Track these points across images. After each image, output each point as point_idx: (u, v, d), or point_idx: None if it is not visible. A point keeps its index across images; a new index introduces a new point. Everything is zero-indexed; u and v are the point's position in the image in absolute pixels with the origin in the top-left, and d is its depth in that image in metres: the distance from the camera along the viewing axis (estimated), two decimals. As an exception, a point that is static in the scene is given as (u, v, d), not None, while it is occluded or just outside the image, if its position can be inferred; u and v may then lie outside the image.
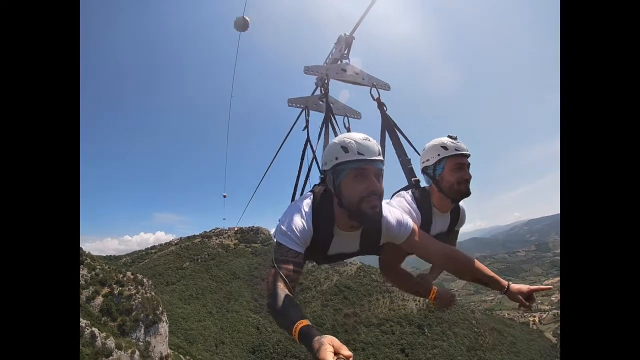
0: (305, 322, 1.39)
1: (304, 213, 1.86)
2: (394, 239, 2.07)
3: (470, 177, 2.36)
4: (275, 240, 1.83)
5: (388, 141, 2.55)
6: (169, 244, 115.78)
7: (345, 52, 2.91)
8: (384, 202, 1.91)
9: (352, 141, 1.79)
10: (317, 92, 3.24)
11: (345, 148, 1.79)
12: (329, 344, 1.23)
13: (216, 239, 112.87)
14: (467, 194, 2.37)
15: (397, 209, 2.14)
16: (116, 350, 42.00)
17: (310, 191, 2.04)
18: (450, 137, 2.40)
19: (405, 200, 2.35)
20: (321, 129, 2.65)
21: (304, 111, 3.15)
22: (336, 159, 1.81)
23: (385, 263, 2.38)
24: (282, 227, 1.80)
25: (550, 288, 2.29)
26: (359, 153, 1.77)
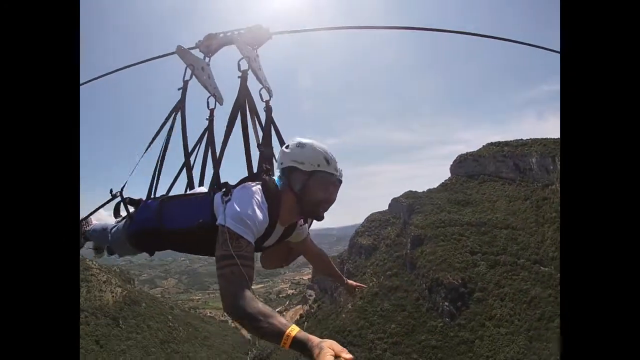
0: (297, 328, 1.39)
1: (260, 204, 1.86)
2: (296, 237, 2.42)
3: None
4: (233, 231, 1.70)
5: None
6: None
7: (258, 44, 2.65)
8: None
9: (332, 158, 2.04)
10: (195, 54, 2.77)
11: (327, 160, 2.02)
12: (329, 347, 1.25)
13: None
14: None
15: None
16: None
17: (252, 179, 2.09)
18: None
19: None
20: (237, 113, 2.35)
21: (185, 69, 2.71)
22: (318, 166, 2.00)
23: (271, 255, 2.61)
24: (242, 217, 1.73)
25: (363, 286, 3.20)
26: (335, 169, 2.05)
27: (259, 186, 1.97)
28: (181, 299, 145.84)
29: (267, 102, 2.59)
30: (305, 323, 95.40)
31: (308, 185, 2.00)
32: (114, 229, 2.56)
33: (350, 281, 3.04)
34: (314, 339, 1.32)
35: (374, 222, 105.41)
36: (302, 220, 2.28)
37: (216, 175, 2.19)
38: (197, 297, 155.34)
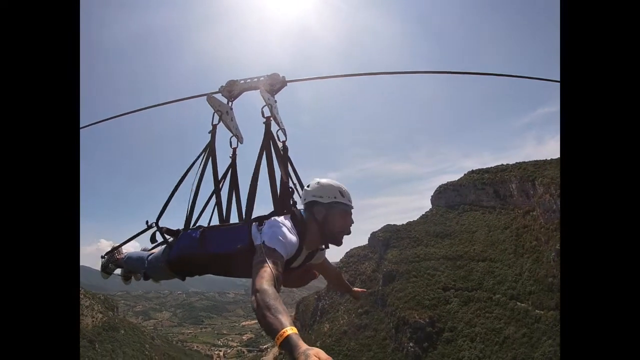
0: (293, 329, 1.46)
1: (292, 230, 2.28)
2: (317, 260, 2.85)
3: None
4: (268, 246, 2.03)
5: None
6: None
7: (275, 91, 3.07)
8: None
9: (346, 191, 2.55)
10: (218, 98, 3.24)
11: (342, 193, 2.51)
12: (314, 355, 1.28)
13: None
14: None
15: None
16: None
17: (282, 211, 2.50)
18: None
19: None
20: (263, 155, 2.79)
21: (213, 114, 3.14)
22: (335, 198, 2.49)
23: (291, 275, 2.83)
24: (277, 237, 2.12)
25: (365, 290, 3.86)
26: (349, 200, 2.54)
27: (288, 216, 2.41)
28: (172, 332, 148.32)
29: (283, 142, 2.95)
30: (284, 359, 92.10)
31: (328, 215, 2.47)
32: (150, 257, 2.99)
33: (355, 289, 3.58)
34: (302, 346, 1.36)
35: (353, 257, 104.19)
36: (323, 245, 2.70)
37: (251, 209, 2.71)
38: (188, 331, 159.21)
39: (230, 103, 3.18)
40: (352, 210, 2.63)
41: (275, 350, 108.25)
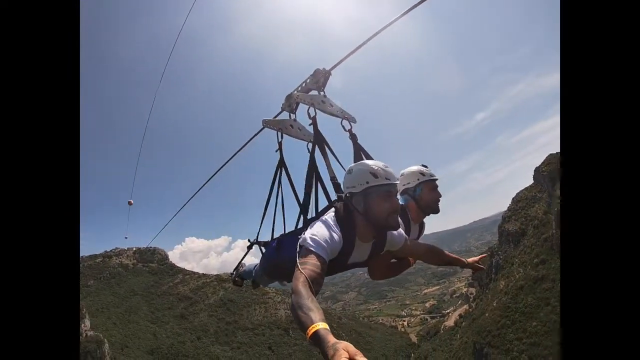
0: (324, 325, 1.51)
1: (333, 226, 2.25)
2: (393, 247, 2.70)
3: (441, 196, 3.21)
4: (304, 247, 2.06)
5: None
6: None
7: (322, 85, 3.16)
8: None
9: (379, 169, 2.31)
10: (282, 116, 3.44)
11: (374, 174, 2.29)
12: (343, 349, 1.31)
13: (116, 259, 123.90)
14: (438, 210, 3.23)
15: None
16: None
17: (328, 207, 2.60)
18: (423, 165, 3.19)
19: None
20: (312, 153, 2.93)
21: (277, 133, 3.34)
22: (367, 183, 2.29)
23: (375, 267, 2.98)
24: (314, 237, 2.11)
25: (485, 256, 3.56)
26: (386, 178, 2.30)
27: (332, 212, 2.43)
28: (359, 310, 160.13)
29: (349, 130, 3.25)
30: (463, 322, 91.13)
31: (366, 204, 2.32)
32: (255, 267, 3.55)
33: (469, 260, 3.36)
34: (331, 339, 1.41)
35: (520, 202, 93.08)
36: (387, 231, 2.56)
37: (305, 214, 2.84)
38: (373, 306, 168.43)
39: (293, 115, 3.36)
40: (438, 182, 2.74)
41: (457, 314, 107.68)
